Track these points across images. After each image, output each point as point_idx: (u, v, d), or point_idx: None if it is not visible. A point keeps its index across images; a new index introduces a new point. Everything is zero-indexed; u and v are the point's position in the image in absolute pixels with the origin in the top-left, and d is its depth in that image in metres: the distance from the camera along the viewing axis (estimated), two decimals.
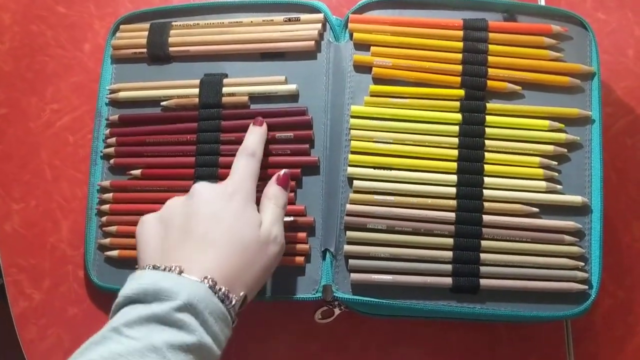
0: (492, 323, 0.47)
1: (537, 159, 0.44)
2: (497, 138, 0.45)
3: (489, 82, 0.46)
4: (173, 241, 0.37)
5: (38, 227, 0.51)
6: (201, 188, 0.39)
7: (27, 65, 0.54)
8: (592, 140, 0.45)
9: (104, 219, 0.48)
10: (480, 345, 0.48)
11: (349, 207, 0.44)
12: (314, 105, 0.47)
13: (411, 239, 0.44)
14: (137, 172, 0.48)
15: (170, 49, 0.49)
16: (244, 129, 0.47)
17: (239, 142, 0.46)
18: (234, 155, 0.46)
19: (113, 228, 0.47)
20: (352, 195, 0.44)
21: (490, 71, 0.46)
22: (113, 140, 0.49)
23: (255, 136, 0.43)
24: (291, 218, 0.45)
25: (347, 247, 0.44)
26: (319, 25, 0.48)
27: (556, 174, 0.45)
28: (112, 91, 0.50)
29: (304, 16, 0.48)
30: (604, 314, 0.48)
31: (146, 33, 0.50)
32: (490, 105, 0.45)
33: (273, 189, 0.41)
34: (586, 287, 0.43)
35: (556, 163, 0.45)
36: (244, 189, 0.39)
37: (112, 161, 0.48)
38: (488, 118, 0.45)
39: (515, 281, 0.43)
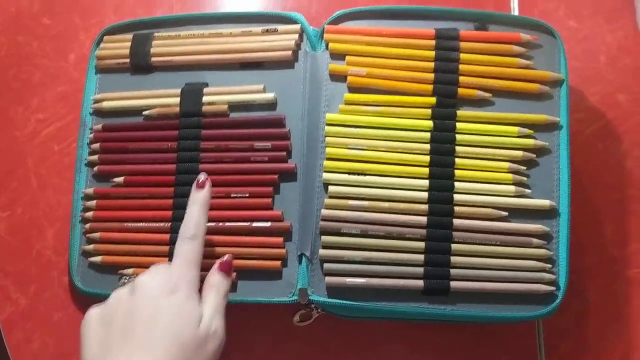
0: (466, 324, 0.49)
1: (506, 164, 0.46)
2: (467, 144, 0.46)
3: (460, 90, 0.47)
4: (112, 342, 0.37)
5: (24, 234, 0.52)
6: (144, 282, 0.39)
7: (14, 75, 0.55)
8: (560, 145, 0.47)
9: (87, 225, 0.49)
10: (456, 345, 0.49)
11: (324, 212, 0.46)
12: (292, 113, 0.48)
13: (384, 243, 0.45)
14: (120, 179, 0.49)
15: (153, 59, 0.51)
16: (224, 137, 0.48)
17: (219, 150, 0.48)
18: (213, 162, 0.48)
19: (96, 234, 0.49)
20: (327, 201, 0.46)
21: (462, 79, 0.47)
22: (97, 146, 0.50)
23: (194, 212, 0.42)
24: (268, 224, 0.47)
25: (322, 252, 0.45)
26: (296, 36, 0.49)
27: (525, 178, 0.46)
28: (96, 101, 0.51)
29: (281, 27, 0.50)
30: (575, 315, 0.49)
31: (129, 44, 0.51)
32: (460, 113, 0.47)
33: (215, 277, 0.41)
34: (553, 288, 0.44)
35: (525, 168, 0.46)
36: (186, 280, 0.39)
37: (95, 169, 0.50)
38: (458, 125, 0.46)
39: (484, 283, 0.44)
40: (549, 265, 0.45)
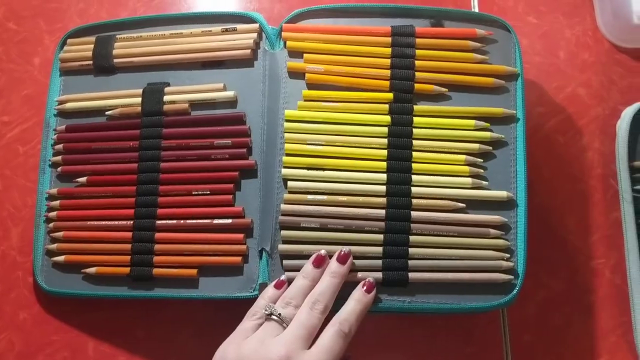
0: (430, 316, 0.49)
1: (463, 157, 0.46)
2: (424, 138, 0.47)
3: (417, 85, 0.47)
4: None
5: None
6: None
7: None
8: (517, 137, 0.47)
9: (51, 225, 0.49)
10: (420, 337, 0.49)
11: (283, 207, 0.46)
12: (252, 111, 0.49)
13: (343, 236, 0.45)
14: (83, 179, 0.49)
15: (115, 60, 0.51)
16: (185, 136, 0.49)
17: (180, 148, 0.49)
18: (174, 160, 0.48)
19: (60, 234, 0.49)
20: (286, 196, 0.46)
21: (418, 75, 0.48)
22: (60, 147, 0.50)
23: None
24: (229, 220, 0.47)
25: (281, 247, 0.46)
26: (255, 35, 0.50)
27: (482, 170, 0.47)
28: (60, 102, 0.51)
29: (240, 26, 0.50)
30: (539, 305, 0.49)
31: (92, 46, 0.52)
32: (417, 107, 0.47)
33: None
34: (511, 277, 0.45)
35: (482, 160, 0.47)
36: None
37: (59, 169, 0.50)
38: (416, 119, 0.47)
39: (443, 274, 0.45)
40: (507, 255, 0.45)
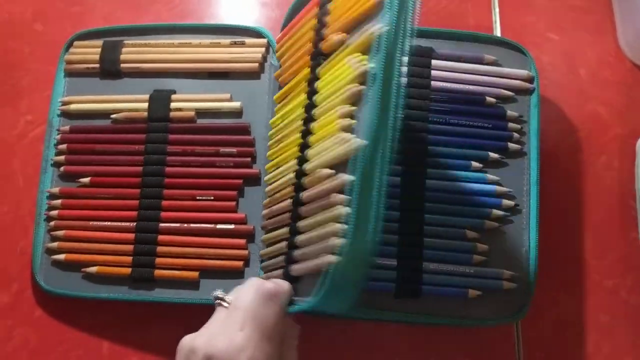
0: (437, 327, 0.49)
1: None
2: None
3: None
4: None
5: (8, 232, 0.52)
6: None
7: (3, 79, 0.55)
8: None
9: (52, 223, 0.50)
10: (427, 350, 0.49)
11: (263, 212, 0.48)
12: (257, 121, 0.51)
13: None
14: (86, 179, 0.50)
15: (122, 65, 0.52)
16: (190, 142, 0.50)
17: (185, 154, 0.50)
18: (179, 165, 0.50)
19: (61, 232, 0.49)
20: (265, 201, 0.48)
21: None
22: (64, 147, 0.51)
23: None
24: (232, 226, 0.49)
25: (262, 252, 0.47)
26: (263, 49, 0.52)
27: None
28: (64, 103, 0.52)
29: (249, 40, 0.52)
30: (553, 322, 0.49)
31: (99, 50, 0.53)
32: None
33: None
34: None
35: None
36: None
37: (62, 169, 0.51)
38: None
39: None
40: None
